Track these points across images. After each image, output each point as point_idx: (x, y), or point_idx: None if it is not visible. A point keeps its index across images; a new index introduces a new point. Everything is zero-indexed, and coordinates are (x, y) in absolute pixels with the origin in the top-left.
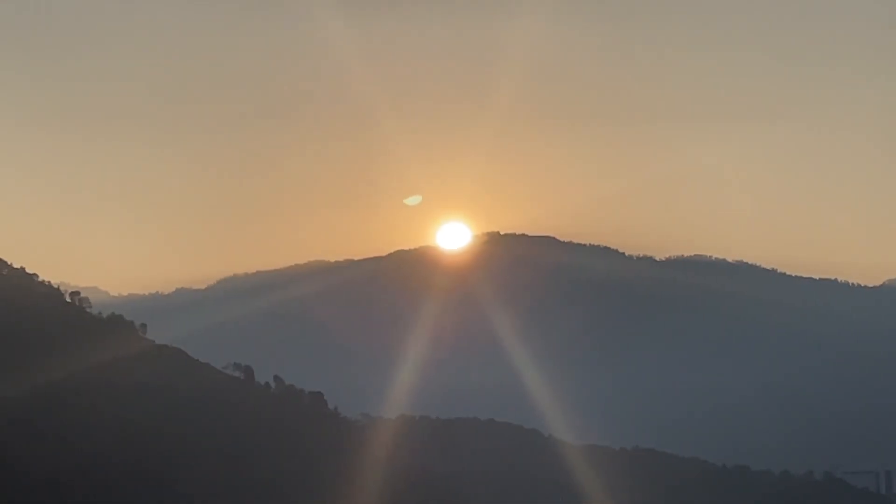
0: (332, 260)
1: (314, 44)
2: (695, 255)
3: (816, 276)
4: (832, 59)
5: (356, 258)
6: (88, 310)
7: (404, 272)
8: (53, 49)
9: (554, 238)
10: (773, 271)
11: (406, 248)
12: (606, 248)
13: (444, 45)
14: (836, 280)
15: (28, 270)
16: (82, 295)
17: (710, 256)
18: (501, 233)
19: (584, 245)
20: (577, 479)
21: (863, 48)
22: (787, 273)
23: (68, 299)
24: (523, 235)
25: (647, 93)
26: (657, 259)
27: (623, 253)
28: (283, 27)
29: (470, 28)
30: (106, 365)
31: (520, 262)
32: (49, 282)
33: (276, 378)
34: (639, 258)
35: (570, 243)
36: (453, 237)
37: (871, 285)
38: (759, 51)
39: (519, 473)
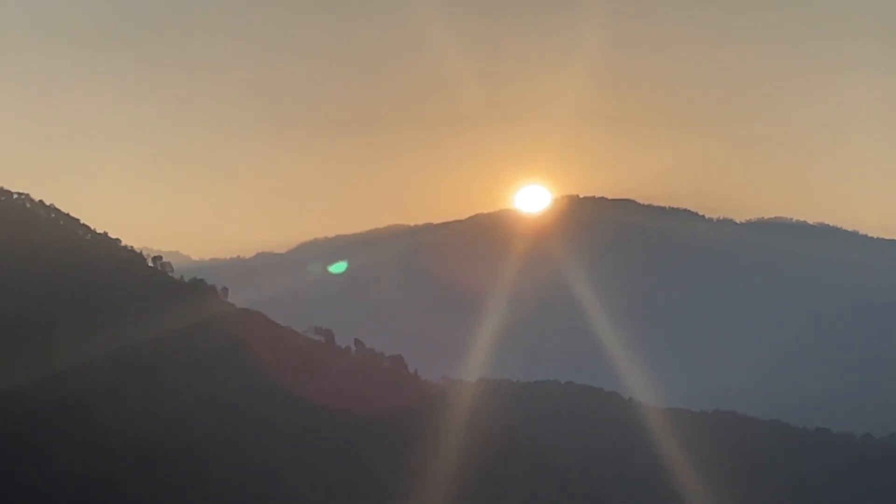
0: (412, 224)
1: (399, 29)
2: (775, 217)
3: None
4: None
5: (435, 222)
6: (170, 274)
7: (483, 235)
8: (157, 44)
9: (634, 201)
10: (855, 233)
11: (485, 211)
12: (686, 211)
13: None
14: None
15: (111, 235)
16: (164, 259)
17: (791, 219)
18: (581, 196)
19: (664, 208)
20: (658, 442)
21: None
22: (869, 235)
23: (151, 263)
24: (602, 198)
25: (727, 55)
26: (738, 221)
27: (703, 216)
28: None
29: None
30: (187, 328)
31: (599, 225)
32: (132, 246)
33: (357, 341)
34: (719, 220)
35: (649, 206)
36: (532, 200)
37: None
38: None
39: (600, 436)
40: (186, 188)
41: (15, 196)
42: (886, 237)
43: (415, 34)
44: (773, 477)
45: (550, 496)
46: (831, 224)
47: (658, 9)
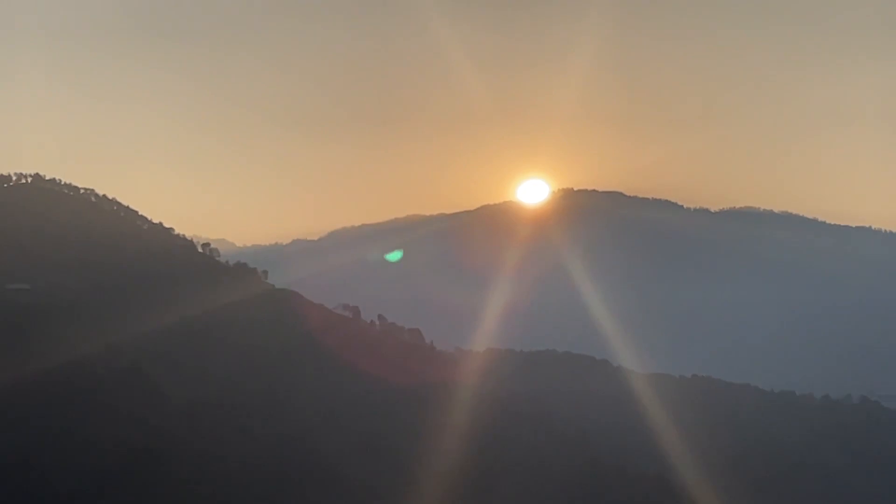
0: (427, 214)
1: (418, 37)
2: (745, 206)
3: (853, 224)
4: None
5: (448, 212)
6: (217, 258)
7: (490, 224)
8: (192, 46)
9: (621, 193)
10: (815, 220)
11: (492, 202)
12: (667, 202)
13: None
14: (869, 227)
15: (166, 225)
16: (212, 246)
17: (759, 208)
18: (575, 189)
19: (648, 199)
20: (642, 403)
21: None
22: (827, 222)
23: (200, 249)
24: (594, 191)
25: (706, 63)
26: (712, 211)
27: (682, 206)
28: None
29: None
30: (231, 305)
31: (591, 214)
32: (184, 235)
33: (380, 316)
34: (696, 210)
35: (635, 198)
36: (533, 193)
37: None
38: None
39: (592, 397)
40: (231, 182)
41: (82, 191)
42: (842, 224)
43: (432, 45)
44: (744, 431)
45: (549, 450)
46: (794, 212)
47: (648, 21)
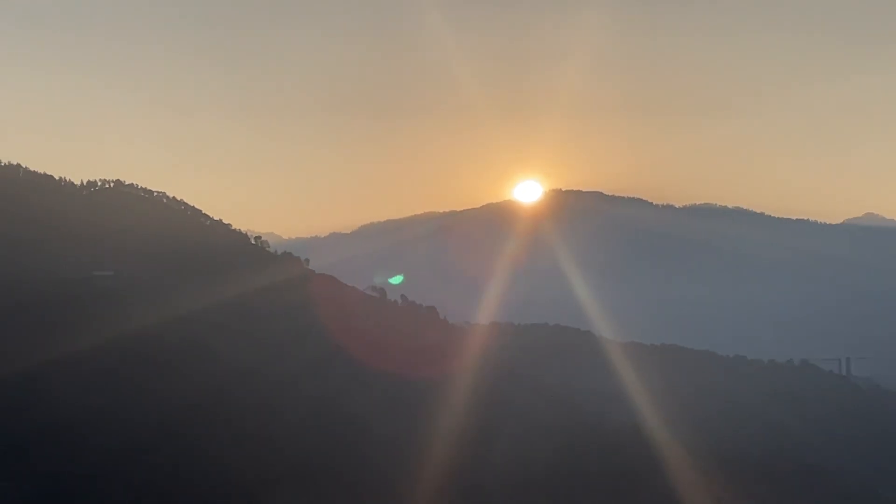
0: (441, 210)
1: (423, 39)
2: (704, 203)
3: (793, 217)
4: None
5: (457, 209)
6: (267, 248)
7: (493, 220)
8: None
9: (601, 193)
10: (762, 214)
11: (494, 201)
12: (639, 199)
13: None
14: (807, 220)
15: (224, 221)
16: (262, 238)
17: (716, 204)
18: (563, 189)
19: (623, 197)
20: (617, 367)
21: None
22: (772, 215)
23: (252, 241)
24: (579, 191)
25: (676, 85)
26: (677, 206)
27: (651, 202)
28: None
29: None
30: (280, 286)
31: (576, 212)
32: (239, 229)
33: (402, 296)
34: (663, 206)
35: (612, 196)
36: (528, 193)
37: (833, 223)
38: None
39: (577, 361)
40: (277, 184)
41: (155, 194)
42: (784, 216)
43: (442, 59)
44: (702, 388)
45: (541, 404)
46: (745, 207)
47: (630, 41)
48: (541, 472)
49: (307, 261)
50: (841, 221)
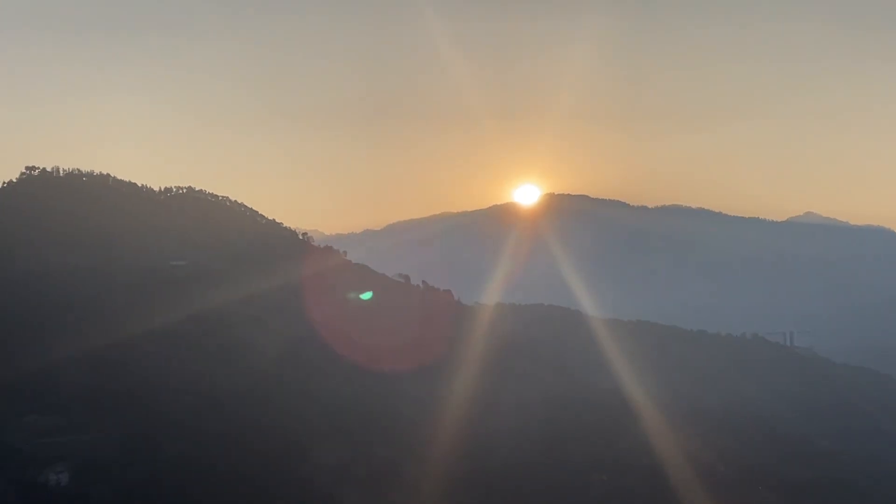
0: (454, 211)
1: (436, 57)
2: (672, 204)
3: (745, 216)
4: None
5: (468, 210)
6: (312, 243)
7: (498, 218)
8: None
9: (587, 196)
10: (720, 213)
11: (499, 203)
12: (619, 201)
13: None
14: (757, 218)
15: (276, 220)
16: (308, 234)
17: (682, 204)
18: (555, 193)
19: (604, 199)
20: (600, 339)
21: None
22: (728, 214)
23: (300, 237)
24: (569, 194)
25: (651, 99)
26: (649, 207)
27: (627, 203)
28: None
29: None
30: (323, 273)
31: (567, 212)
32: (288, 226)
33: (423, 282)
34: (638, 207)
35: (596, 199)
36: (528, 195)
37: (779, 220)
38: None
39: (568, 333)
40: (321, 188)
41: (220, 198)
42: (738, 215)
43: (455, 73)
44: (669, 357)
45: (539, 371)
46: (706, 207)
47: (626, 52)
48: (540, 424)
49: (345, 253)
50: (785, 219)
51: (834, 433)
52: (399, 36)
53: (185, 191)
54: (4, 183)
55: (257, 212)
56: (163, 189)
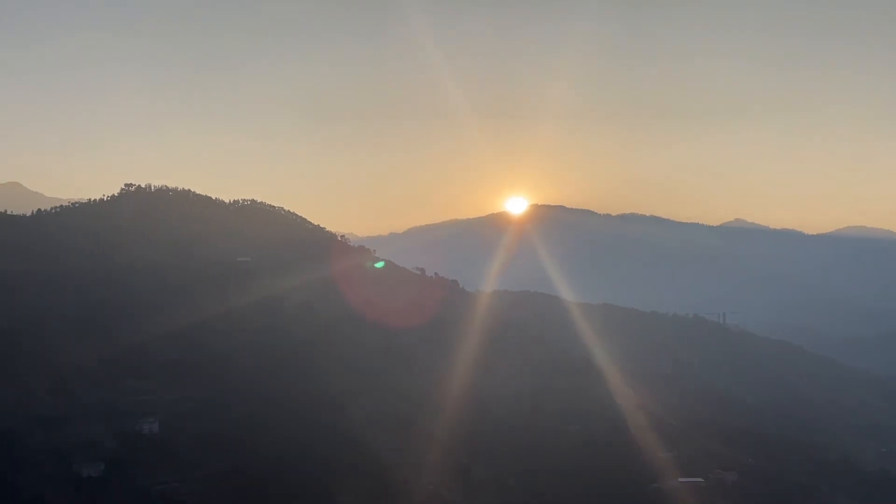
0: (461, 218)
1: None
2: (630, 212)
3: (687, 221)
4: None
5: (471, 217)
6: (348, 243)
7: (494, 224)
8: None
9: (563, 206)
10: (667, 220)
11: (495, 211)
12: (588, 211)
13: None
14: (697, 223)
15: (320, 225)
16: (345, 236)
17: (637, 213)
18: (539, 203)
19: (577, 209)
20: (574, 318)
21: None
22: (673, 220)
23: (339, 238)
24: (547, 205)
25: (621, 123)
26: (612, 215)
27: (596, 212)
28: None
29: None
30: (356, 266)
31: (549, 219)
32: (330, 230)
33: (435, 273)
34: (603, 215)
35: (572, 209)
36: (518, 206)
37: (713, 225)
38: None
39: (552, 315)
40: (354, 197)
41: (276, 207)
42: (686, 221)
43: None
44: (629, 333)
45: (525, 343)
46: (656, 215)
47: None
48: (527, 385)
49: (374, 251)
50: (719, 224)
51: (757, 391)
52: (412, 73)
53: (248, 202)
54: (108, 196)
55: (305, 218)
56: (231, 201)
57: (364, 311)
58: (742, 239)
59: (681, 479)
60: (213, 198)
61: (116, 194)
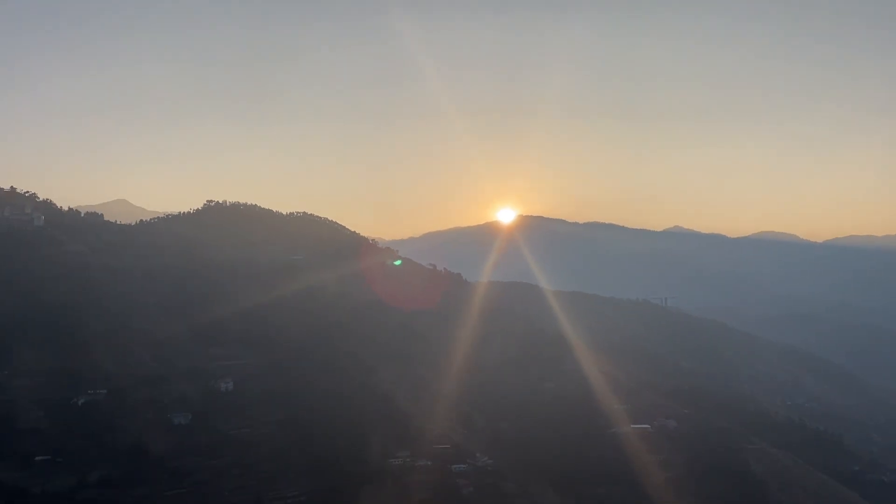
0: (464, 225)
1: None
2: (593, 221)
3: (636, 227)
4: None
5: (472, 225)
6: (378, 245)
7: (489, 231)
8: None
9: (542, 216)
10: (622, 227)
11: (490, 220)
12: (562, 220)
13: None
14: (643, 229)
15: (355, 231)
16: (374, 239)
17: (599, 221)
18: (522, 214)
19: (554, 218)
20: (551, 302)
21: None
22: (625, 226)
23: (370, 241)
24: (530, 216)
25: (590, 139)
26: (580, 222)
27: (567, 220)
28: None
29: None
30: (381, 263)
31: (530, 226)
32: (363, 235)
33: (444, 268)
34: (572, 222)
35: (547, 217)
36: (507, 216)
37: (657, 230)
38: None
39: (533, 300)
40: (383, 207)
41: (321, 217)
42: (648, 229)
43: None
44: (594, 313)
45: (513, 321)
46: (612, 222)
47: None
48: (514, 353)
49: (397, 251)
50: (662, 230)
51: (690, 358)
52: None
53: (300, 214)
54: (193, 210)
55: (343, 225)
56: (287, 213)
57: (387, 298)
58: (680, 242)
59: (632, 426)
60: (274, 210)
61: (200, 208)
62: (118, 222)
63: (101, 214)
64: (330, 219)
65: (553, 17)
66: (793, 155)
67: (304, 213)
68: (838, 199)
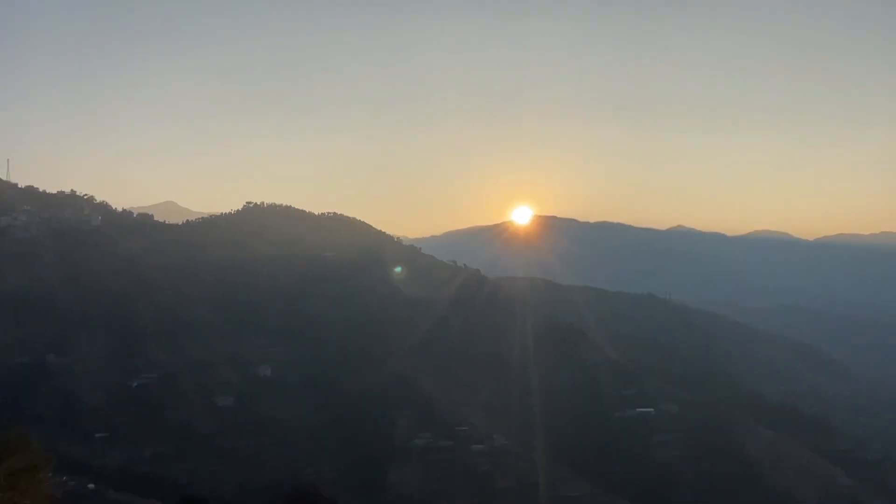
0: (482, 224)
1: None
2: (601, 220)
3: (638, 226)
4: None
5: (490, 224)
6: (402, 244)
7: (505, 233)
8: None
9: (555, 216)
10: (629, 226)
11: (507, 219)
12: (574, 219)
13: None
14: (647, 227)
15: (381, 230)
16: (399, 238)
17: (607, 220)
18: (537, 214)
19: (567, 218)
20: (564, 295)
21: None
22: (632, 225)
23: (395, 239)
24: (543, 216)
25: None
26: (591, 222)
27: (577, 220)
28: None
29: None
30: (405, 259)
31: (545, 225)
32: (388, 233)
33: (464, 264)
34: (582, 222)
35: (560, 217)
36: (522, 215)
37: (662, 229)
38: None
39: (544, 292)
40: (408, 208)
41: (351, 217)
42: (634, 225)
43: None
44: (603, 306)
45: (527, 312)
46: (622, 222)
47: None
48: (529, 342)
49: (420, 249)
50: (666, 229)
51: (691, 346)
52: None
53: (332, 214)
54: (234, 210)
55: (371, 225)
56: (320, 213)
57: (412, 290)
58: (682, 240)
59: (638, 409)
60: (307, 210)
61: (240, 209)
62: (167, 222)
63: (152, 215)
64: (358, 218)
65: (559, 24)
66: (785, 155)
67: (335, 213)
68: (828, 199)
